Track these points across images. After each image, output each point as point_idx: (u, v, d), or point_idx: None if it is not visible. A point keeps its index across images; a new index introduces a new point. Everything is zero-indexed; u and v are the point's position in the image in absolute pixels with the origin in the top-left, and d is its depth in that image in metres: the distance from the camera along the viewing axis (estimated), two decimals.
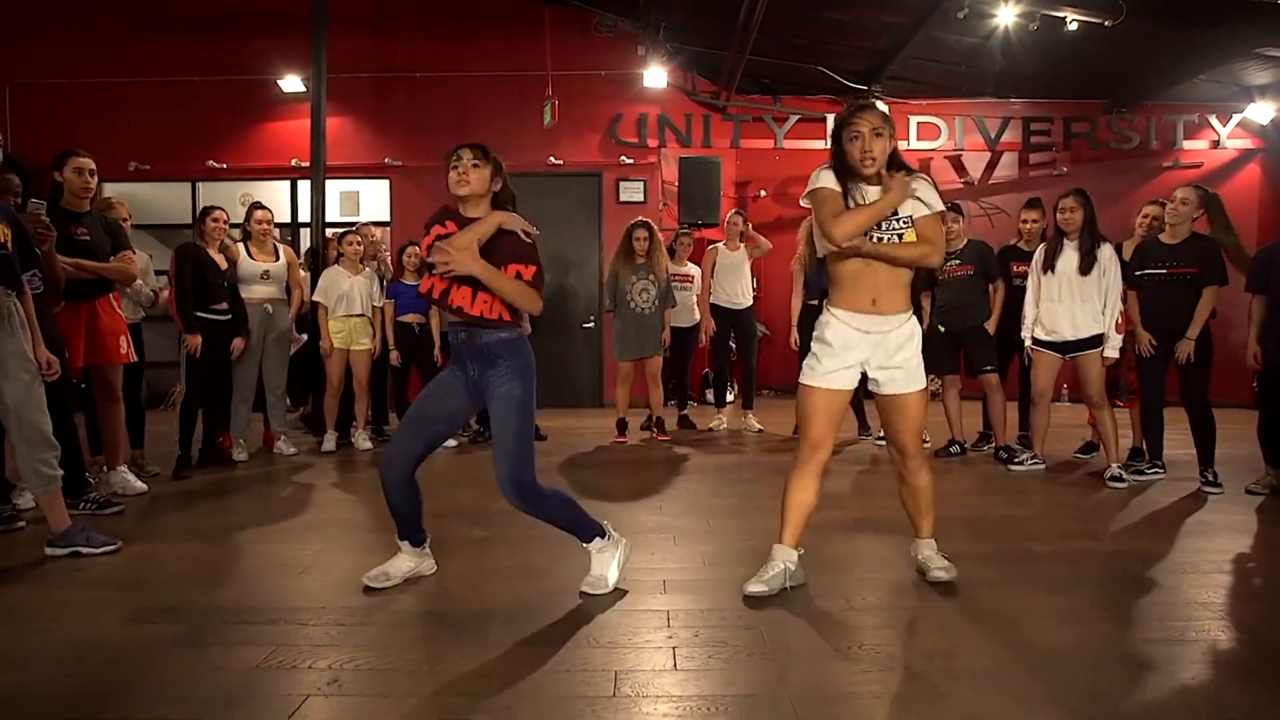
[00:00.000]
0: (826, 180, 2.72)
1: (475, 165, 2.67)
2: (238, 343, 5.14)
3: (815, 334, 2.83)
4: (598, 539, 2.82)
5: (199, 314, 4.91)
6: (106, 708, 1.98)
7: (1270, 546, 3.48)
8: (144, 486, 4.37)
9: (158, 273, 5.84)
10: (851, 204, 2.68)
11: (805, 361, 2.83)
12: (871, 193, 2.68)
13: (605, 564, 2.81)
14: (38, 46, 8.66)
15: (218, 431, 5.32)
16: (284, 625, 2.49)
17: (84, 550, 3.16)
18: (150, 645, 2.36)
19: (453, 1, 8.71)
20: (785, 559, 2.77)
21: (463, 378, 2.71)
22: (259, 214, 5.50)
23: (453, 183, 2.66)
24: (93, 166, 4.15)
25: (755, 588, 2.71)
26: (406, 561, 2.89)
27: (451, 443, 5.86)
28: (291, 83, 8.48)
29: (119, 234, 4.34)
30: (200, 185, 8.83)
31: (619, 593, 2.77)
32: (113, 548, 3.21)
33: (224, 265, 5.13)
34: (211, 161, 8.62)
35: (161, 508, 4.13)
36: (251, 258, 5.41)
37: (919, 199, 2.71)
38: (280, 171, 8.70)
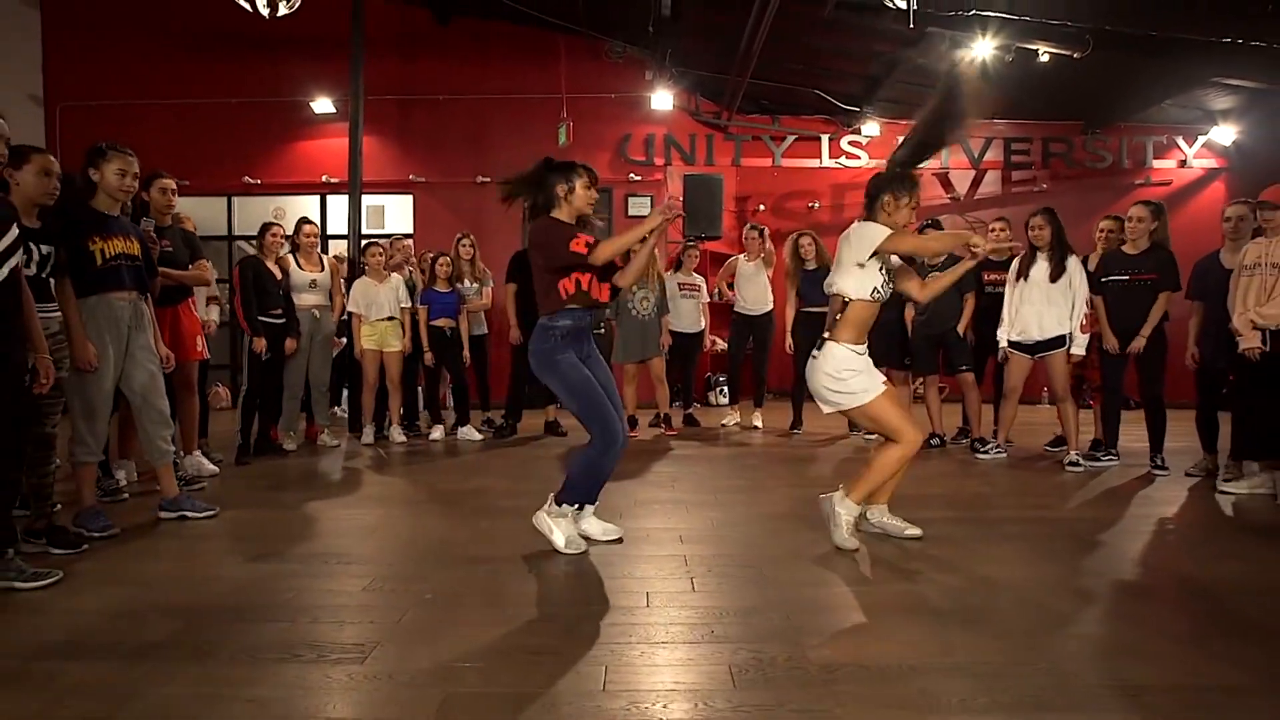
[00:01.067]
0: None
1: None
2: (290, 343, 5.71)
3: (841, 368, 3.21)
4: (574, 508, 3.28)
5: (260, 319, 5.50)
6: (253, 614, 2.55)
7: (1192, 514, 4.07)
8: (215, 468, 4.95)
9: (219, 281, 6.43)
10: None
11: (851, 387, 3.21)
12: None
13: (562, 526, 3.25)
14: (84, 71, 9.32)
15: (268, 424, 5.89)
16: (375, 564, 3.08)
17: (189, 514, 3.75)
18: (269, 575, 2.94)
19: (473, 28, 9.35)
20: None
21: (578, 356, 3.27)
22: (307, 228, 6.07)
23: (590, 200, 3.34)
24: (174, 186, 4.74)
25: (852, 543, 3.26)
26: (597, 523, 3.41)
27: (475, 435, 6.45)
28: (322, 104, 9.11)
29: (195, 245, 4.93)
30: (235, 200, 9.45)
31: (644, 542, 3.36)
32: (212, 512, 3.80)
33: (279, 276, 5.71)
34: (247, 177, 9.24)
35: (234, 486, 4.70)
36: (300, 268, 5.98)
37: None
38: (311, 187, 9.33)
